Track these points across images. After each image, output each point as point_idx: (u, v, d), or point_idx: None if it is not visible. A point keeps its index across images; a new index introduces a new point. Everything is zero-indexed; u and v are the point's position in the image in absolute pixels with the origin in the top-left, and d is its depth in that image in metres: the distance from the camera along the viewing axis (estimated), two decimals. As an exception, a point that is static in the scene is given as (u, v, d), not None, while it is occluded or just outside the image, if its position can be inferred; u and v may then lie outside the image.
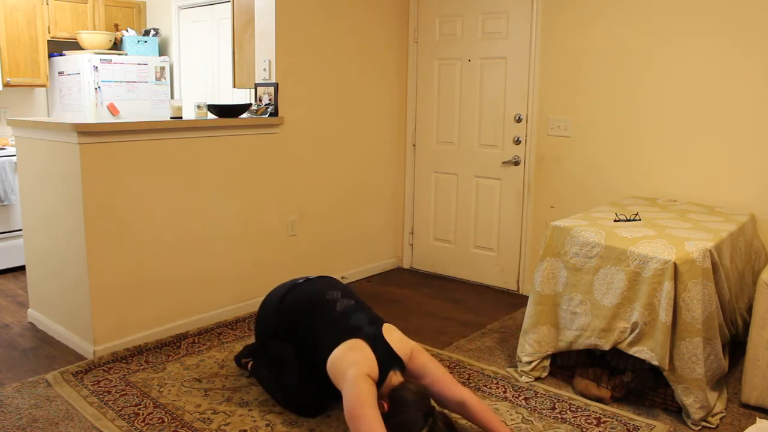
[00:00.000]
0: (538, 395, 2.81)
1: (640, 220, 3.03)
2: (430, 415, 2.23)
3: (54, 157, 3.18)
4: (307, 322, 2.60)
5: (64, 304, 3.33)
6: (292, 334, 2.66)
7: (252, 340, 3.32)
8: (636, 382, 2.75)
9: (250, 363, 2.95)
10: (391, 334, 2.50)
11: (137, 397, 2.75)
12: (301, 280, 2.83)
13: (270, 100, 3.85)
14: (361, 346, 2.40)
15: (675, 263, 2.51)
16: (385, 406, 2.25)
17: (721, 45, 3.40)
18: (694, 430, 2.56)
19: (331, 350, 2.41)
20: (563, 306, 2.88)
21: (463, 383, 2.92)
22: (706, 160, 3.53)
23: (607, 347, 2.71)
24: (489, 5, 4.25)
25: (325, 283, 2.78)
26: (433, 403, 2.35)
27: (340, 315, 2.56)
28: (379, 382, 2.34)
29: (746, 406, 2.74)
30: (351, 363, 2.32)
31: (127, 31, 5.54)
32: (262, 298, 3.87)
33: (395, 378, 2.37)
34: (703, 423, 2.58)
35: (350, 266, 4.53)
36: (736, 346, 3.08)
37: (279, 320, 2.72)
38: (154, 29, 5.69)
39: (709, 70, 3.46)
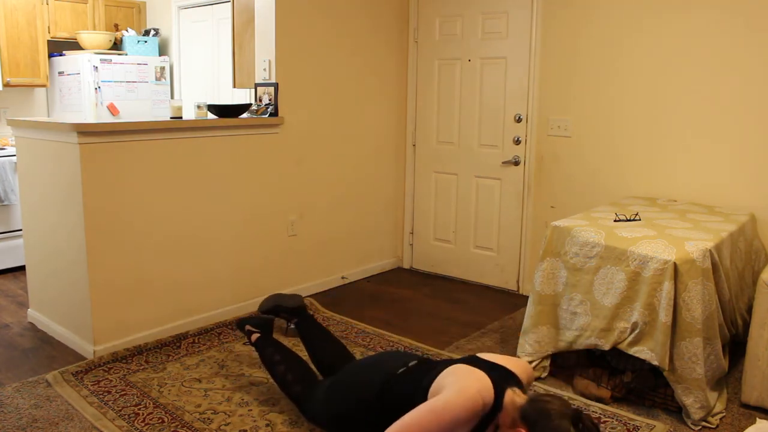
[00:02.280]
0: (538, 395, 2.81)
1: (640, 220, 3.03)
2: (578, 419, 1.87)
3: (54, 157, 3.18)
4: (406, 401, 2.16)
5: (64, 304, 3.33)
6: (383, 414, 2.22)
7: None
8: (636, 382, 2.75)
9: (256, 335, 2.85)
10: (492, 356, 2.18)
11: (137, 397, 2.75)
12: (401, 371, 2.29)
13: (270, 100, 3.85)
14: (466, 368, 2.05)
15: (675, 263, 2.51)
16: (523, 431, 1.91)
17: (721, 45, 3.40)
18: (694, 430, 2.56)
19: (430, 384, 2.06)
20: (563, 306, 2.88)
21: (463, 383, 2.91)
22: (706, 160, 3.53)
23: (607, 347, 2.71)
24: (489, 5, 4.25)
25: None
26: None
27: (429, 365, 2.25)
28: (496, 407, 1.98)
29: (746, 406, 2.74)
30: (466, 376, 1.98)
31: (127, 31, 5.54)
32: (262, 298, 3.89)
33: (517, 397, 2.00)
34: (703, 423, 2.58)
35: (350, 266, 4.53)
36: (736, 346, 3.08)
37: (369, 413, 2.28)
38: (154, 29, 5.69)
39: (710, 70, 3.46)
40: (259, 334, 2.86)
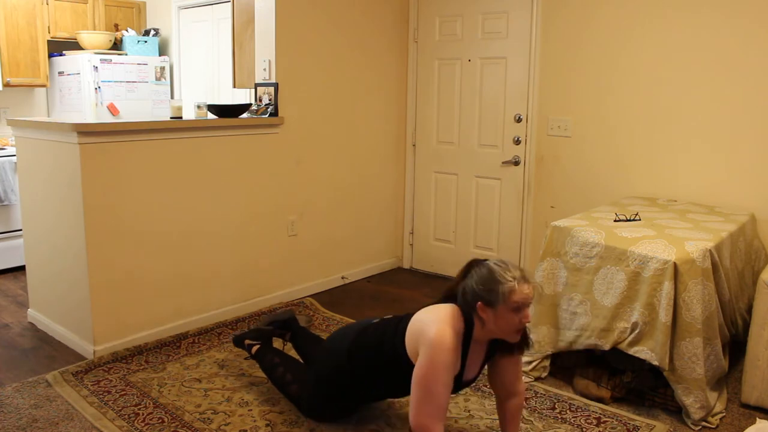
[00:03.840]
0: (538, 395, 2.81)
1: (640, 220, 3.03)
2: (474, 261, 2.13)
3: (54, 157, 3.18)
4: (375, 350, 2.34)
5: (64, 304, 3.33)
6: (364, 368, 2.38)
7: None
8: (636, 382, 2.75)
9: (256, 347, 2.85)
10: None
11: (137, 397, 2.75)
12: (375, 320, 2.48)
13: (270, 100, 3.85)
14: (434, 307, 2.20)
15: (675, 263, 2.51)
16: (479, 305, 2.05)
17: (720, 45, 3.40)
18: (694, 430, 2.56)
19: (405, 328, 2.20)
20: (563, 306, 2.88)
21: (463, 383, 2.92)
22: (706, 160, 3.53)
23: (607, 347, 2.71)
24: (489, 5, 4.25)
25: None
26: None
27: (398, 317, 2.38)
28: (469, 328, 2.12)
29: (746, 406, 2.75)
30: (431, 320, 2.11)
31: (127, 31, 5.54)
32: (262, 298, 3.90)
33: None
34: (703, 423, 2.58)
35: (350, 266, 4.53)
36: (736, 346, 3.08)
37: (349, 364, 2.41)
38: (154, 29, 5.69)
39: (711, 70, 3.46)
40: (259, 346, 2.85)
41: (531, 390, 2.86)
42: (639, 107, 3.71)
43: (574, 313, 2.83)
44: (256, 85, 3.92)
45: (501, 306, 2.02)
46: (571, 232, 2.87)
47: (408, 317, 2.26)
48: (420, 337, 2.11)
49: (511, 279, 2.02)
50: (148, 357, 3.15)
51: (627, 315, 2.65)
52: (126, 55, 5.35)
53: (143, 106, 5.36)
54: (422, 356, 2.06)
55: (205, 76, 5.51)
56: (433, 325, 2.08)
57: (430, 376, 2.03)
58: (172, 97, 5.65)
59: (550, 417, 2.65)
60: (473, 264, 2.15)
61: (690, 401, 2.56)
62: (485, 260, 2.13)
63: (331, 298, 4.17)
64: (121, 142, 3.13)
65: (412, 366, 2.14)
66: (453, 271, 4.65)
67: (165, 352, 3.22)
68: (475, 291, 2.06)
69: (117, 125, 3.13)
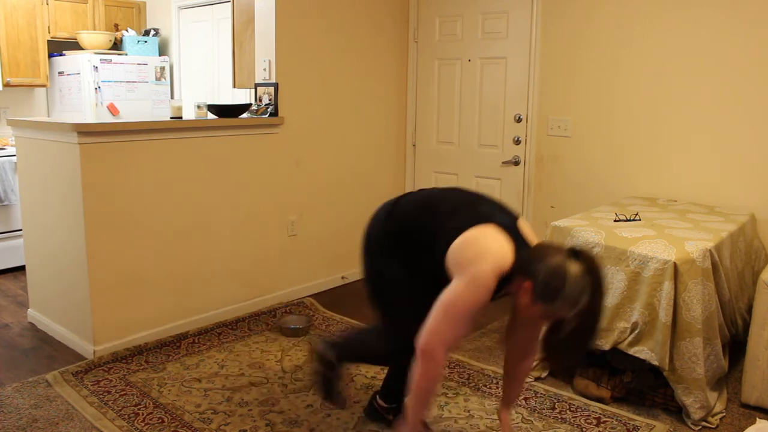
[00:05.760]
0: (538, 395, 2.82)
1: (640, 220, 3.03)
2: (575, 252, 1.84)
3: (54, 157, 3.18)
4: (421, 220, 2.14)
5: (64, 304, 3.33)
6: (402, 243, 2.19)
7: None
8: (636, 382, 2.75)
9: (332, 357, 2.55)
10: (528, 229, 2.06)
11: (137, 397, 2.75)
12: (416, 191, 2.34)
13: (270, 100, 3.85)
14: (496, 233, 1.94)
15: (675, 263, 2.51)
16: (527, 283, 1.86)
17: (721, 45, 3.40)
18: (694, 430, 2.56)
19: (456, 236, 1.96)
20: (563, 306, 2.88)
21: (463, 383, 2.92)
22: (706, 160, 3.53)
23: (607, 347, 2.71)
24: (489, 5, 4.25)
25: (444, 188, 2.33)
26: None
27: (465, 202, 2.11)
28: (509, 278, 1.92)
29: (746, 406, 2.75)
30: (482, 253, 1.90)
31: (127, 31, 5.54)
32: (262, 298, 3.90)
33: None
34: (703, 423, 2.58)
35: (350, 266, 4.53)
36: (736, 346, 3.08)
37: (387, 230, 2.26)
38: (154, 29, 5.69)
39: (711, 70, 3.46)
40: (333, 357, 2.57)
41: (531, 390, 2.86)
42: (639, 107, 3.71)
43: (574, 313, 2.83)
44: (256, 85, 3.93)
45: (543, 305, 1.85)
46: (571, 232, 2.87)
47: (461, 220, 2.01)
48: (465, 264, 1.92)
49: (574, 305, 1.81)
50: (148, 357, 3.15)
51: (627, 315, 2.65)
52: (126, 55, 5.35)
53: (143, 106, 5.36)
54: (459, 284, 1.90)
55: (205, 76, 5.51)
56: (481, 261, 1.89)
57: (460, 306, 1.89)
58: (172, 97, 5.64)
59: (550, 417, 2.65)
60: (576, 255, 1.85)
61: (690, 401, 2.56)
62: (580, 261, 1.84)
63: (331, 298, 4.17)
64: (121, 142, 3.13)
65: (442, 268, 1.99)
66: (453, 271, 4.67)
67: (165, 352, 3.22)
68: (538, 277, 1.84)
69: (117, 125, 3.14)
